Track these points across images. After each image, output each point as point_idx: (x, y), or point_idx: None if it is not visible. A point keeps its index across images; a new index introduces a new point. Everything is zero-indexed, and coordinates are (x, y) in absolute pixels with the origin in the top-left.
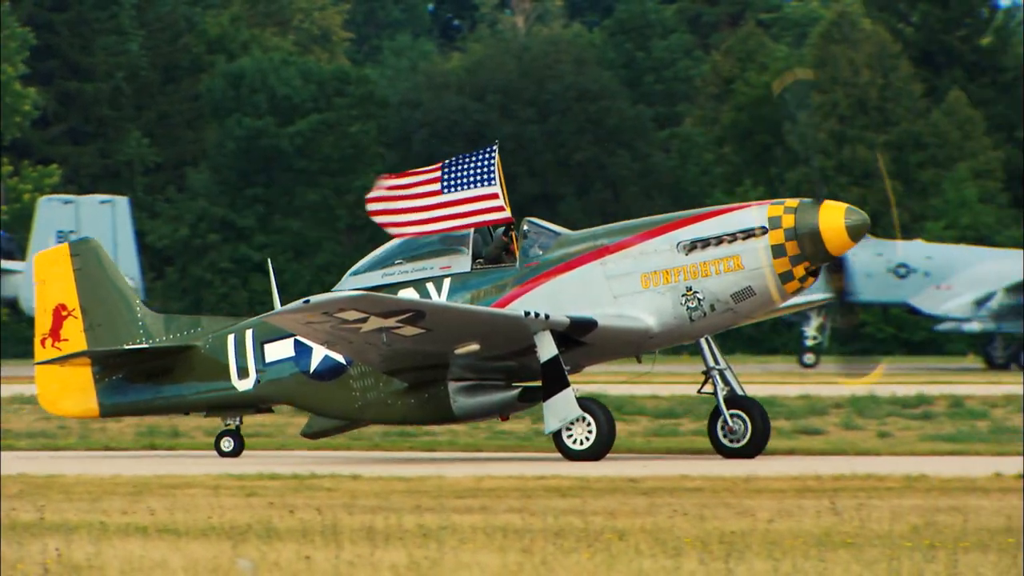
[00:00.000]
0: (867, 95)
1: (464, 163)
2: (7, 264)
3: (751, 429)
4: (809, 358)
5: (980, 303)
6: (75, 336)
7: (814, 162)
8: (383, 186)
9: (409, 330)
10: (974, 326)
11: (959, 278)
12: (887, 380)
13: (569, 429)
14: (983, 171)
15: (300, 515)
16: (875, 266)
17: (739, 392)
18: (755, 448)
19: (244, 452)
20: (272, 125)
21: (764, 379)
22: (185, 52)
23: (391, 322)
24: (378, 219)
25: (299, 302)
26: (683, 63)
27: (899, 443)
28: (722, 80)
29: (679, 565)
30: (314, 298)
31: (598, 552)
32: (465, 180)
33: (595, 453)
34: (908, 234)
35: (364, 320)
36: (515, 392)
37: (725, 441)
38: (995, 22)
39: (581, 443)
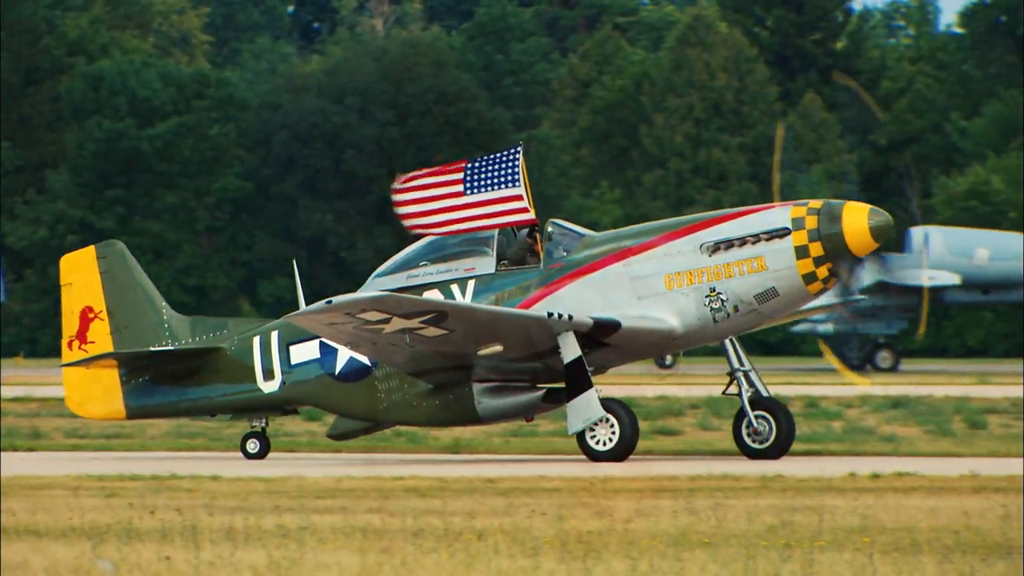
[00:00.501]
0: (723, 98)
1: (488, 164)
2: None
3: (776, 430)
4: (667, 359)
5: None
6: (102, 338)
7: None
8: (405, 181)
9: (432, 331)
10: (829, 327)
11: None
12: None
13: (592, 430)
14: (838, 173)
15: (160, 516)
16: None
17: (764, 393)
18: (780, 449)
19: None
20: (132, 127)
21: (621, 379)
22: (45, 54)
23: (414, 323)
24: (405, 222)
25: (322, 303)
26: (541, 66)
27: None
28: (579, 83)
29: (538, 565)
30: (337, 299)
31: (457, 552)
32: (489, 181)
33: (618, 454)
34: None
35: (387, 321)
36: (539, 393)
37: (750, 442)
38: (849, 26)
39: (604, 444)
